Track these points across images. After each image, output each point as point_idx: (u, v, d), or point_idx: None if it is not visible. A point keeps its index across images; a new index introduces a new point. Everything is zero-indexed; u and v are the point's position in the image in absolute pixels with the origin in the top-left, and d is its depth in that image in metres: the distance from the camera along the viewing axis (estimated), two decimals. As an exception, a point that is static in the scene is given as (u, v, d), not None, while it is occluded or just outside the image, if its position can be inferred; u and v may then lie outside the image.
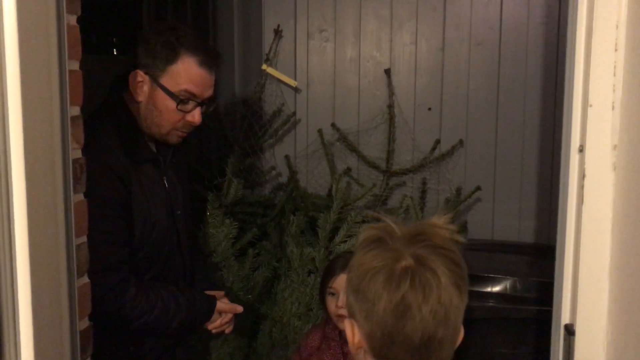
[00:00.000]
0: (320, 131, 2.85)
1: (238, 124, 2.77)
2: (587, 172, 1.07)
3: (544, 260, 2.64)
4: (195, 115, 1.69)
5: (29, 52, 1.05)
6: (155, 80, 1.64)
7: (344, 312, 1.78)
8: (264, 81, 2.85)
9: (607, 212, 1.06)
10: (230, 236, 2.36)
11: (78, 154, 1.31)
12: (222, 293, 1.87)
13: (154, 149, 1.75)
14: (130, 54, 1.74)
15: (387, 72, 2.84)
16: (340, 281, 1.83)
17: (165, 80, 1.64)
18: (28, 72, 1.04)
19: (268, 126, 2.83)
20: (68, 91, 1.21)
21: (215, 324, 1.80)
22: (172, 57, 1.63)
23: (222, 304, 1.82)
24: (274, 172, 2.90)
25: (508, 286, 2.31)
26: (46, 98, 1.13)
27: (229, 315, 1.82)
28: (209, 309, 1.77)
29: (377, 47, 2.89)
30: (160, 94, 1.65)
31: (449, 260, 0.89)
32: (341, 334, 1.87)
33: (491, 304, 2.27)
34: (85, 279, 1.33)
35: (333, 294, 1.85)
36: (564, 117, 1.12)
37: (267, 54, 2.84)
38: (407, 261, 0.88)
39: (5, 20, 1.01)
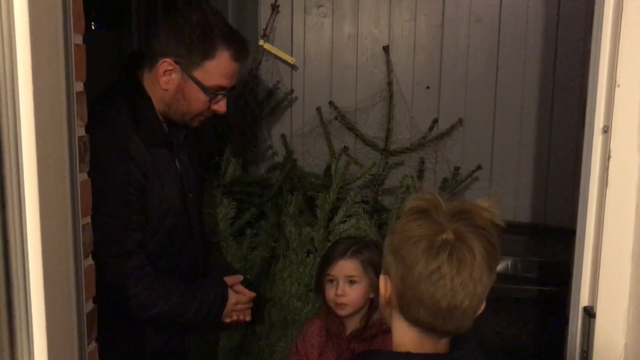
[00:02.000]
0: (319, 109, 2.81)
1: (233, 101, 2.71)
2: (612, 154, 1.05)
3: (541, 240, 2.65)
4: (222, 105, 1.67)
5: (38, 23, 1.01)
6: (187, 72, 1.60)
7: (344, 300, 1.74)
8: (260, 57, 2.79)
9: (632, 194, 1.05)
10: (229, 216, 2.33)
11: (82, 131, 1.27)
12: (240, 278, 1.85)
13: (167, 130, 1.71)
14: (151, 33, 1.67)
15: (386, 49, 2.80)
16: (339, 268, 1.77)
17: (199, 74, 1.60)
18: (37, 45, 1.00)
19: (265, 104, 2.78)
20: (74, 66, 1.17)
21: (232, 318, 1.79)
22: (209, 52, 1.59)
23: (234, 293, 1.80)
24: (270, 152, 2.85)
25: (507, 266, 2.32)
26: (54, 73, 1.08)
27: (245, 304, 1.82)
28: (222, 299, 1.75)
29: (375, 24, 2.85)
30: (192, 86, 1.61)
31: (486, 240, 0.96)
32: (345, 326, 1.79)
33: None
34: (90, 261, 1.30)
35: (332, 281, 1.77)
36: (588, 97, 1.10)
37: (264, 30, 2.78)
38: (448, 235, 0.96)
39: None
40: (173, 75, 1.60)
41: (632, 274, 1.07)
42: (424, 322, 0.99)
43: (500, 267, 2.30)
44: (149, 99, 1.63)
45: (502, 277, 2.27)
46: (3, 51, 0.98)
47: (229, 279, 1.83)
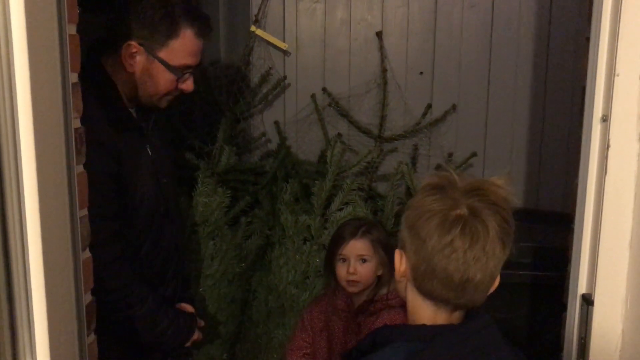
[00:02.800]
0: (313, 96, 2.80)
1: (226, 88, 2.69)
2: (611, 143, 1.06)
3: (534, 225, 2.66)
4: (190, 84, 1.66)
5: (34, 15, 0.99)
6: (152, 53, 1.58)
7: (355, 277, 1.81)
8: (253, 44, 2.77)
9: (631, 182, 1.05)
10: (223, 205, 2.32)
11: (78, 123, 1.26)
12: (202, 322, 1.86)
13: (135, 116, 1.69)
14: (113, 16, 1.65)
15: (379, 34, 2.78)
16: (350, 247, 1.83)
17: (164, 54, 1.59)
18: (33, 36, 0.98)
19: (258, 91, 2.76)
20: (69, 56, 1.15)
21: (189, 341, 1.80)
22: (173, 32, 1.58)
23: (197, 330, 1.82)
24: (263, 139, 2.84)
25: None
26: (51, 64, 1.07)
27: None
28: (189, 331, 1.76)
29: (368, 9, 2.82)
30: (158, 67, 1.60)
31: (499, 216, 0.98)
32: (353, 302, 1.87)
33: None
34: (88, 253, 1.30)
35: (344, 260, 1.84)
36: (587, 86, 1.10)
37: (255, 16, 2.76)
38: (462, 210, 0.97)
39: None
40: (138, 58, 1.59)
41: (630, 262, 1.08)
42: (437, 295, 1.01)
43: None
44: (114, 85, 1.62)
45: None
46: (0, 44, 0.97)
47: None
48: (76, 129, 1.23)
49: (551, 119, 2.78)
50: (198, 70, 1.70)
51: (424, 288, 1.02)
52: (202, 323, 1.86)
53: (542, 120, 2.79)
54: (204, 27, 1.64)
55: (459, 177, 1.03)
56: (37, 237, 1.01)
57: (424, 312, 1.03)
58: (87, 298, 1.28)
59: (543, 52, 2.75)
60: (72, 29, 1.20)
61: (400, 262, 1.05)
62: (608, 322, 1.10)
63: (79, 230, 1.21)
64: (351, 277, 1.82)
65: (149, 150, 1.70)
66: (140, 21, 1.57)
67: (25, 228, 1.01)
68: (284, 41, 2.80)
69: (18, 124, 0.97)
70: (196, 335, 1.79)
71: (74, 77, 1.23)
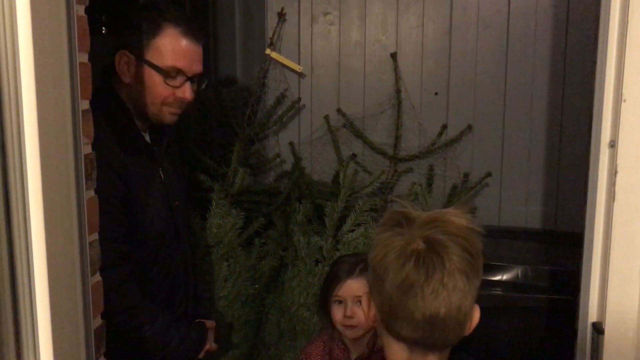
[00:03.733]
0: (326, 117, 2.81)
1: (241, 110, 2.72)
2: (619, 168, 1.04)
3: (551, 247, 2.63)
4: (186, 91, 1.63)
5: (42, 44, 1.01)
6: (140, 57, 1.59)
7: (353, 321, 1.66)
8: (268, 66, 2.79)
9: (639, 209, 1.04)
10: (237, 226, 2.33)
11: (88, 149, 1.27)
12: (213, 323, 1.86)
13: (148, 140, 1.70)
14: (117, 34, 1.69)
15: (393, 55, 2.79)
16: (346, 288, 1.67)
17: (150, 55, 1.58)
18: (41, 65, 1.01)
19: (273, 112, 2.78)
20: (79, 84, 1.17)
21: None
22: (155, 30, 1.58)
23: (208, 340, 1.81)
24: (278, 160, 2.85)
25: (516, 274, 2.29)
26: (59, 92, 1.09)
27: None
28: (201, 342, 1.76)
29: (382, 31, 2.84)
30: (147, 70, 1.59)
31: (459, 247, 0.94)
32: (349, 351, 1.71)
33: (498, 292, 2.25)
34: (98, 277, 1.31)
35: (340, 302, 1.68)
36: (594, 111, 1.09)
37: (270, 38, 2.78)
38: (418, 244, 0.95)
39: (19, 13, 0.97)
40: (131, 67, 1.60)
41: (640, 290, 1.05)
42: (405, 335, 0.97)
43: (510, 275, 2.29)
44: (126, 108, 1.63)
45: (513, 285, 2.25)
46: (7, 72, 0.99)
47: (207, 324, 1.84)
48: (86, 155, 1.25)
49: (569, 139, 2.75)
50: (200, 82, 1.70)
51: (392, 330, 0.98)
52: (213, 324, 1.84)
53: (560, 140, 2.76)
54: (191, 28, 1.62)
55: (416, 210, 1.00)
56: (42, 262, 1.02)
57: (400, 356, 0.99)
58: (97, 322, 1.29)
59: (560, 71, 2.73)
60: (82, 57, 1.22)
61: (369, 306, 1.03)
62: (620, 351, 1.07)
63: (87, 254, 1.22)
64: (348, 322, 1.65)
65: (161, 173, 1.71)
66: (127, 28, 1.60)
67: (31, 252, 1.02)
68: (299, 63, 2.83)
69: (25, 151, 0.99)
70: (208, 345, 1.79)
71: (84, 104, 1.25)
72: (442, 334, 0.95)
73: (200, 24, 1.69)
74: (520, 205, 2.82)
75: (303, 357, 1.79)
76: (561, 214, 2.82)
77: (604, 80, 1.06)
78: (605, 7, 1.04)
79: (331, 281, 1.72)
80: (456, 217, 0.97)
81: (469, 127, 2.80)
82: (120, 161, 1.57)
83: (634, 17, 0.99)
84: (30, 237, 1.01)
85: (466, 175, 2.80)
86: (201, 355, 1.78)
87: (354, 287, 1.66)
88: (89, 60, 1.24)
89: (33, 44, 0.98)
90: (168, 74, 1.59)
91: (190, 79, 1.64)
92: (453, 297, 0.93)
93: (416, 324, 0.94)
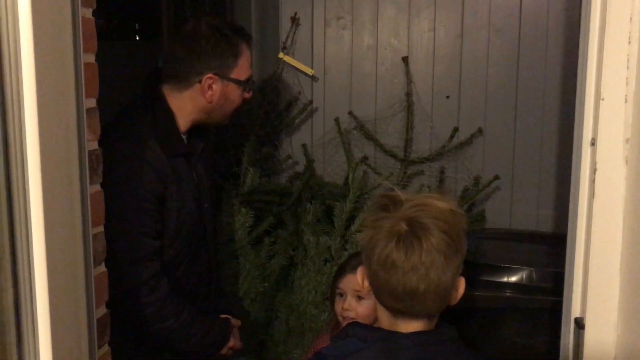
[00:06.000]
0: (337, 120, 2.85)
1: (254, 112, 2.78)
2: (598, 166, 1.06)
3: (562, 250, 2.61)
4: (251, 91, 1.81)
5: (44, 46, 1.07)
6: (226, 77, 1.70)
7: (350, 314, 1.70)
8: (281, 69, 2.85)
9: (619, 205, 1.05)
10: (247, 225, 2.38)
11: (94, 145, 1.33)
12: (239, 322, 1.90)
13: (186, 143, 1.78)
14: (152, 40, 1.78)
15: (405, 59, 2.82)
16: (347, 281, 1.73)
17: (235, 74, 1.71)
18: (42, 66, 1.06)
19: (285, 115, 2.83)
20: (83, 84, 1.23)
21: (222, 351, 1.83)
22: (237, 52, 1.71)
23: (233, 337, 1.84)
24: (290, 161, 2.90)
25: (524, 276, 2.30)
26: (61, 91, 1.15)
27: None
28: (224, 337, 1.80)
29: (394, 34, 2.87)
30: (233, 87, 1.73)
31: (438, 229, 1.04)
32: None
33: (507, 293, 2.26)
34: (102, 268, 1.36)
35: (341, 295, 1.75)
36: (576, 110, 1.11)
37: (284, 42, 2.84)
38: (401, 226, 1.05)
39: (21, 14, 1.03)
40: (214, 87, 1.70)
41: (620, 285, 1.07)
42: (391, 306, 1.09)
43: (515, 277, 2.29)
44: (171, 112, 1.70)
45: (517, 287, 2.26)
46: (10, 70, 1.05)
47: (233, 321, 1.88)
48: (92, 151, 1.30)
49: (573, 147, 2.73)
50: None
51: (380, 300, 1.11)
52: (238, 323, 1.89)
53: (571, 143, 2.74)
54: (250, 38, 1.78)
55: (403, 195, 1.10)
56: (41, 253, 1.07)
57: (386, 321, 1.11)
58: (100, 312, 1.34)
59: (571, 75, 2.72)
60: (88, 58, 1.28)
61: (363, 278, 1.14)
62: (600, 346, 1.08)
63: (91, 246, 1.27)
64: (346, 314, 1.71)
65: (194, 175, 1.78)
66: (205, 54, 1.68)
67: (31, 246, 1.07)
68: (311, 66, 2.88)
69: (26, 146, 1.05)
70: (232, 342, 1.82)
71: (90, 103, 1.30)
72: (422, 305, 1.07)
73: (246, 30, 1.82)
74: (532, 209, 2.82)
75: (310, 352, 1.83)
76: (574, 217, 2.80)
77: (585, 79, 1.08)
78: (585, 10, 1.07)
79: (337, 273, 1.81)
80: (439, 200, 1.07)
81: (480, 130, 2.81)
82: (161, 161, 1.64)
83: (611, 17, 1.02)
84: (30, 226, 1.06)
85: (477, 178, 2.81)
86: (224, 352, 1.81)
87: (353, 281, 1.69)
88: (118, 63, 1.30)
89: (34, 45, 1.03)
90: (250, 85, 1.77)
91: None
92: (431, 273, 1.03)
93: (398, 296, 1.06)
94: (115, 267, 1.35)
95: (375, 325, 1.15)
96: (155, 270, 1.62)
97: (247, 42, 1.75)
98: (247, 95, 1.79)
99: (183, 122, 1.72)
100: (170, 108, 1.70)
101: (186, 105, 1.71)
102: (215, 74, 1.68)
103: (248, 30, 2.95)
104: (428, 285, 1.04)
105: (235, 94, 1.74)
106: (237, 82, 1.72)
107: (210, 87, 1.69)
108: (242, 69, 1.72)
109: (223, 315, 1.86)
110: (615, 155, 1.04)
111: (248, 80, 1.76)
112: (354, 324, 1.15)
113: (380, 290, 1.09)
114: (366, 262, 1.11)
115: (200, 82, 1.68)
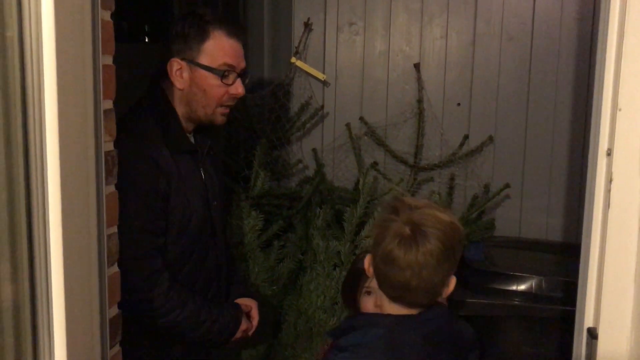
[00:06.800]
0: (348, 125, 2.86)
1: (266, 116, 2.79)
2: (614, 176, 1.06)
3: (571, 259, 2.61)
4: (238, 87, 1.73)
5: (65, 47, 1.08)
6: (192, 62, 1.67)
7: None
8: (293, 74, 2.86)
9: (634, 216, 1.05)
10: (256, 228, 2.39)
11: (110, 146, 1.34)
12: (255, 303, 1.89)
13: (193, 141, 1.78)
14: (161, 42, 1.77)
15: (417, 66, 2.83)
16: None
17: (202, 59, 1.67)
18: (63, 67, 1.08)
19: (296, 119, 2.84)
20: (101, 85, 1.24)
21: (236, 337, 1.81)
22: (203, 35, 1.66)
23: (246, 319, 1.83)
24: (300, 165, 2.91)
25: (534, 285, 2.29)
26: (80, 92, 1.16)
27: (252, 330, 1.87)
28: (236, 323, 1.78)
29: (407, 41, 2.88)
30: (202, 73, 1.67)
31: (435, 237, 1.20)
32: None
33: (516, 302, 2.25)
34: (115, 268, 1.37)
35: (370, 293, 1.74)
36: (592, 120, 1.11)
37: (296, 47, 2.85)
38: (404, 229, 1.22)
39: (44, 15, 1.05)
40: (184, 73, 1.67)
41: (635, 295, 1.07)
42: (390, 294, 1.28)
43: (524, 286, 2.29)
44: (173, 110, 1.71)
45: (526, 295, 2.25)
46: (32, 72, 1.06)
47: (244, 302, 1.87)
48: (108, 152, 1.31)
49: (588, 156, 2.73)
50: (245, 76, 1.77)
51: (381, 287, 1.30)
52: (253, 303, 1.88)
53: (582, 152, 2.75)
54: (235, 27, 1.71)
55: (414, 201, 1.27)
56: (59, 253, 1.08)
57: (387, 306, 1.29)
58: (113, 312, 1.35)
59: (583, 84, 2.73)
60: (107, 60, 1.29)
61: (369, 265, 1.31)
62: (612, 356, 1.08)
63: (105, 246, 1.28)
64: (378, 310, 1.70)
65: (202, 173, 1.78)
66: (175, 37, 1.68)
67: (49, 245, 1.08)
68: (323, 71, 2.89)
69: (46, 146, 1.06)
70: (244, 325, 1.80)
71: (107, 104, 1.31)
72: (414, 297, 1.25)
73: (240, 23, 1.77)
74: (541, 217, 2.82)
75: (320, 355, 1.86)
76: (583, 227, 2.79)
77: (602, 89, 1.08)
78: (604, 20, 1.07)
79: (361, 274, 1.77)
80: (441, 213, 1.24)
81: (491, 138, 2.81)
82: (165, 159, 1.65)
83: (629, 27, 1.02)
84: (48, 226, 1.07)
85: (487, 186, 2.81)
86: (239, 335, 1.79)
87: None
88: (129, 65, 1.31)
89: (56, 47, 1.05)
90: (222, 73, 1.68)
91: (239, 75, 1.73)
92: (423, 273, 1.21)
93: (394, 287, 1.25)
94: (119, 263, 1.36)
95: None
96: (156, 266, 1.63)
97: (225, 31, 1.68)
98: (232, 90, 1.71)
99: (182, 118, 1.73)
100: (172, 105, 1.71)
101: (173, 96, 1.71)
102: (182, 59, 1.66)
103: (260, 34, 3.00)
104: (419, 282, 1.21)
105: (207, 82, 1.67)
106: (205, 67, 1.66)
107: (178, 72, 1.67)
108: (211, 55, 1.66)
109: (249, 304, 1.86)
110: (632, 165, 1.04)
111: (224, 69, 1.68)
112: (362, 314, 1.28)
113: (381, 280, 1.27)
114: (373, 253, 1.28)
115: (170, 65, 1.67)
